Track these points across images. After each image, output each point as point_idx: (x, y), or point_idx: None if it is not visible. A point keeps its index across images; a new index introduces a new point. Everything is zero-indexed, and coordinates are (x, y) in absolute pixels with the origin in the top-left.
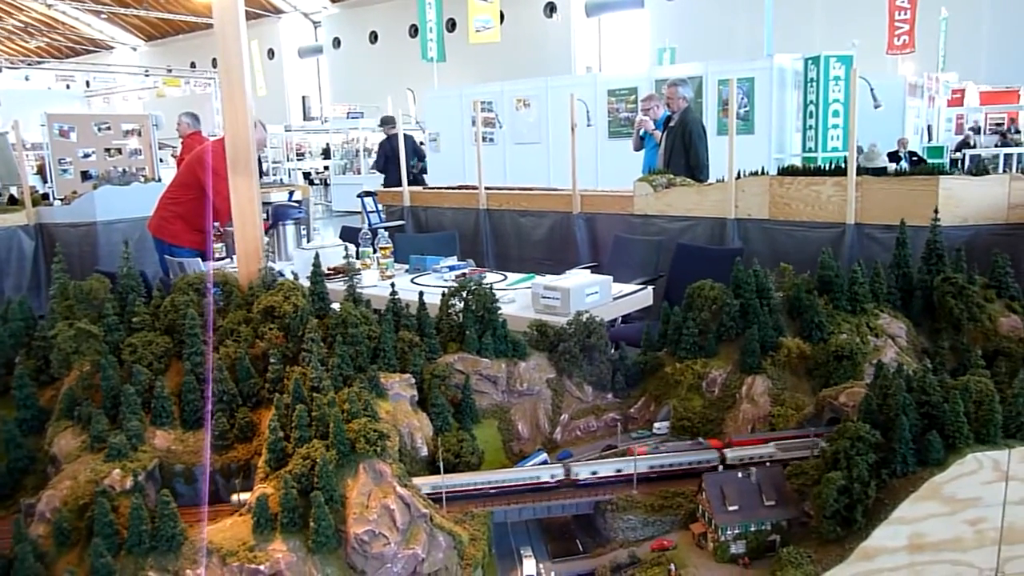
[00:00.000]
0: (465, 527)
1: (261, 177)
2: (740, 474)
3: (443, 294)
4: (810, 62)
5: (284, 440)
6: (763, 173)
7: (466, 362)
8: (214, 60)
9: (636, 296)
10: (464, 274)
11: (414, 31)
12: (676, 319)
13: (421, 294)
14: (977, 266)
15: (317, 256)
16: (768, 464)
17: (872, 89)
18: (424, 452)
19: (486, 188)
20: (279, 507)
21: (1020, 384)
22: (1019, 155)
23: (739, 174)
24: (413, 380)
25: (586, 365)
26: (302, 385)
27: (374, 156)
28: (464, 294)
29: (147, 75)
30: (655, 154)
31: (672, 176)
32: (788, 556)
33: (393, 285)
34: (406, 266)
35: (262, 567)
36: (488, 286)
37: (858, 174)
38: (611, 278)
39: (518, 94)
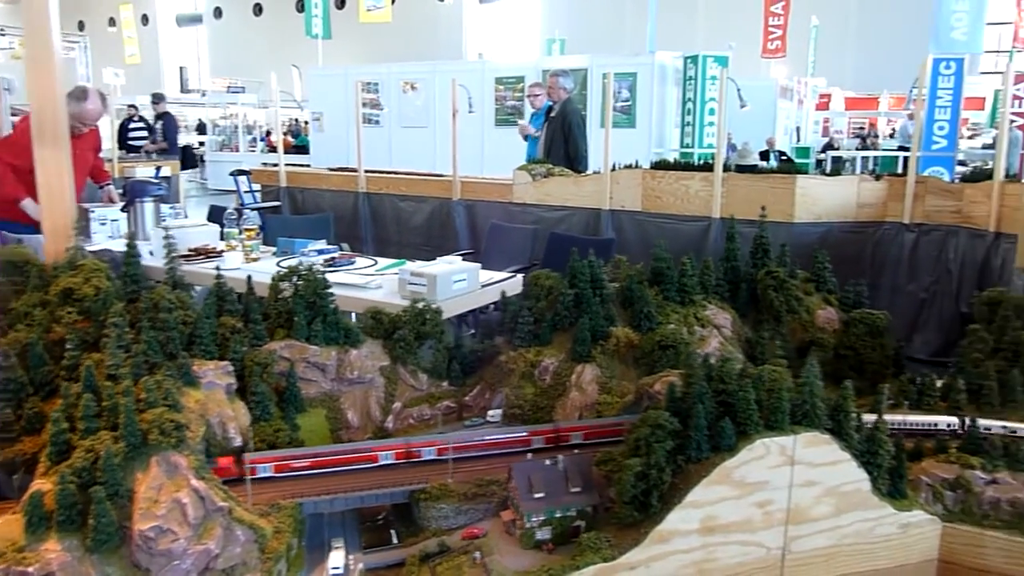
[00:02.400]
0: (270, 520)
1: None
2: (548, 461)
3: (272, 278)
4: (689, 61)
5: (69, 432)
6: (636, 167)
7: (293, 349)
8: (80, 22)
9: (507, 284)
10: (333, 259)
11: (301, 6)
12: (513, 308)
13: (249, 278)
14: (830, 261)
15: (167, 237)
16: (576, 452)
17: (739, 90)
18: (238, 442)
19: (366, 171)
20: (55, 504)
21: (807, 374)
22: (875, 158)
23: (614, 167)
24: (231, 368)
25: (422, 352)
26: (94, 372)
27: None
28: (294, 279)
29: (2, 34)
30: (536, 144)
31: (551, 166)
32: (588, 541)
33: (250, 278)
34: (275, 249)
35: (31, 569)
36: (319, 271)
37: (737, 171)
38: (479, 265)
39: (405, 77)
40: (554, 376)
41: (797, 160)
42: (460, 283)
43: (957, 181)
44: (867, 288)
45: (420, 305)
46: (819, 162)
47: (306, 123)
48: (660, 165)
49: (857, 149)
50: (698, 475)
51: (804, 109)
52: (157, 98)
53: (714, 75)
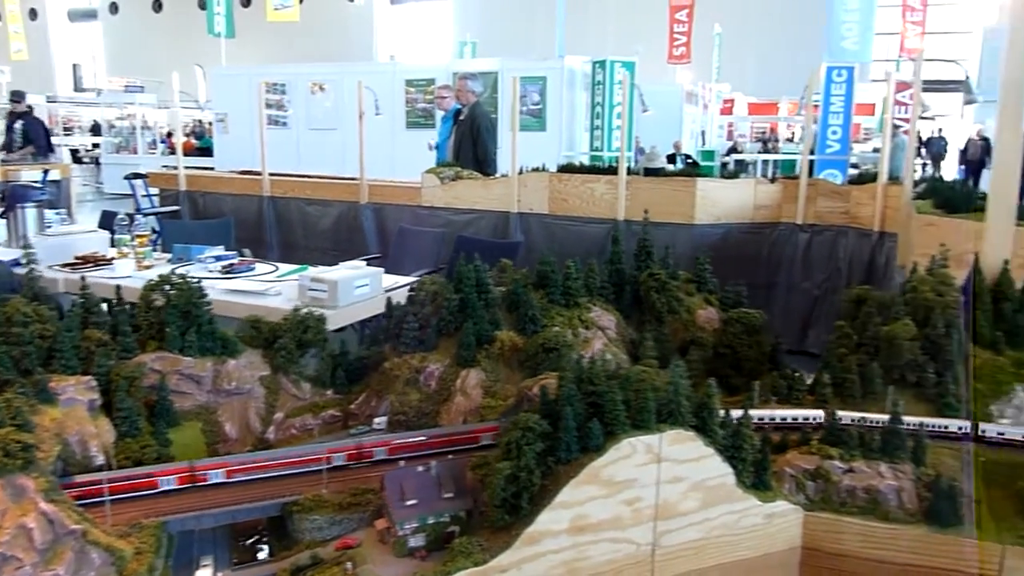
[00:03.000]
0: (131, 540)
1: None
2: (420, 468)
3: (143, 288)
4: (597, 65)
5: None
6: (543, 170)
7: (165, 361)
8: None
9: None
10: (231, 265)
11: (203, 3)
12: (398, 313)
13: (118, 287)
14: (729, 260)
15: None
16: (450, 457)
17: (641, 95)
18: (100, 460)
19: (271, 175)
20: None
21: (673, 374)
22: (775, 161)
23: (521, 170)
24: (95, 383)
25: (304, 361)
26: None
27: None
28: (167, 288)
29: None
30: (446, 147)
31: (460, 169)
32: (459, 546)
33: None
34: (170, 256)
35: None
36: (195, 280)
37: (645, 174)
38: (382, 270)
39: (313, 78)
40: (439, 381)
41: (703, 163)
42: (363, 288)
43: (846, 184)
44: (765, 287)
45: (303, 312)
46: (724, 165)
47: (210, 124)
48: (566, 168)
49: (759, 153)
50: (567, 476)
51: (709, 114)
52: (16, 97)
53: (621, 80)
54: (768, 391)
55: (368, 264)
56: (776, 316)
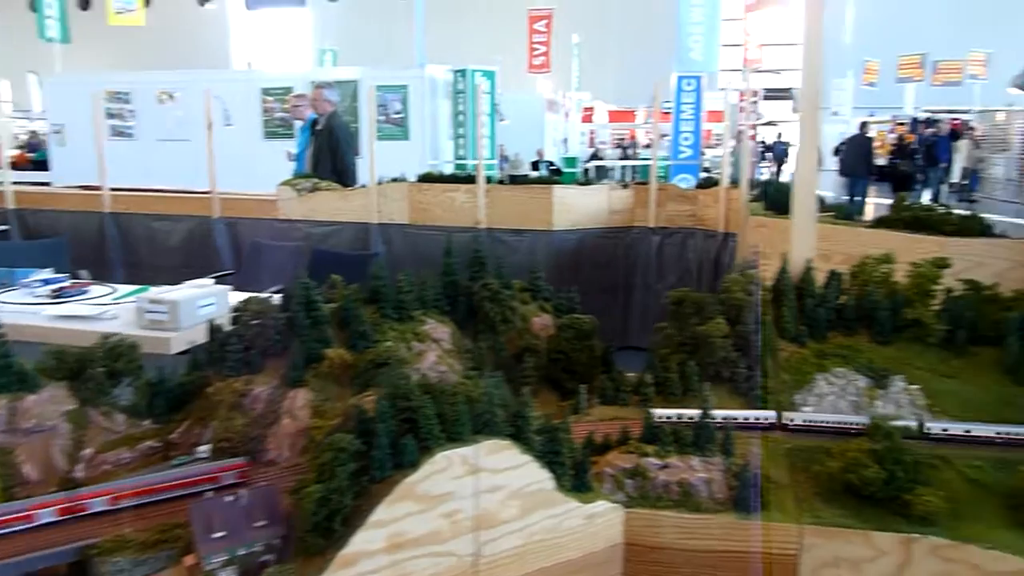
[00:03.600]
0: None
1: None
2: (228, 498)
3: None
4: (459, 74)
5: None
6: (403, 180)
7: None
8: None
9: None
10: (61, 288)
11: (33, 5)
12: (221, 335)
13: None
14: (588, 264)
15: None
16: (263, 484)
17: (496, 104)
18: None
19: (112, 189)
20: None
21: (489, 384)
22: (634, 166)
23: (380, 180)
24: None
25: (117, 391)
26: None
27: None
28: None
29: None
30: (304, 158)
31: (318, 180)
32: (271, 575)
33: None
34: None
35: None
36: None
37: (510, 181)
38: (229, 288)
39: (161, 86)
40: (266, 404)
41: (566, 169)
42: (208, 308)
43: (693, 188)
44: (623, 288)
45: (113, 340)
46: (585, 171)
47: (45, 136)
48: (426, 178)
49: (620, 159)
50: (381, 494)
51: (570, 121)
52: None
53: (483, 89)
54: (596, 393)
55: (217, 282)
56: (634, 316)
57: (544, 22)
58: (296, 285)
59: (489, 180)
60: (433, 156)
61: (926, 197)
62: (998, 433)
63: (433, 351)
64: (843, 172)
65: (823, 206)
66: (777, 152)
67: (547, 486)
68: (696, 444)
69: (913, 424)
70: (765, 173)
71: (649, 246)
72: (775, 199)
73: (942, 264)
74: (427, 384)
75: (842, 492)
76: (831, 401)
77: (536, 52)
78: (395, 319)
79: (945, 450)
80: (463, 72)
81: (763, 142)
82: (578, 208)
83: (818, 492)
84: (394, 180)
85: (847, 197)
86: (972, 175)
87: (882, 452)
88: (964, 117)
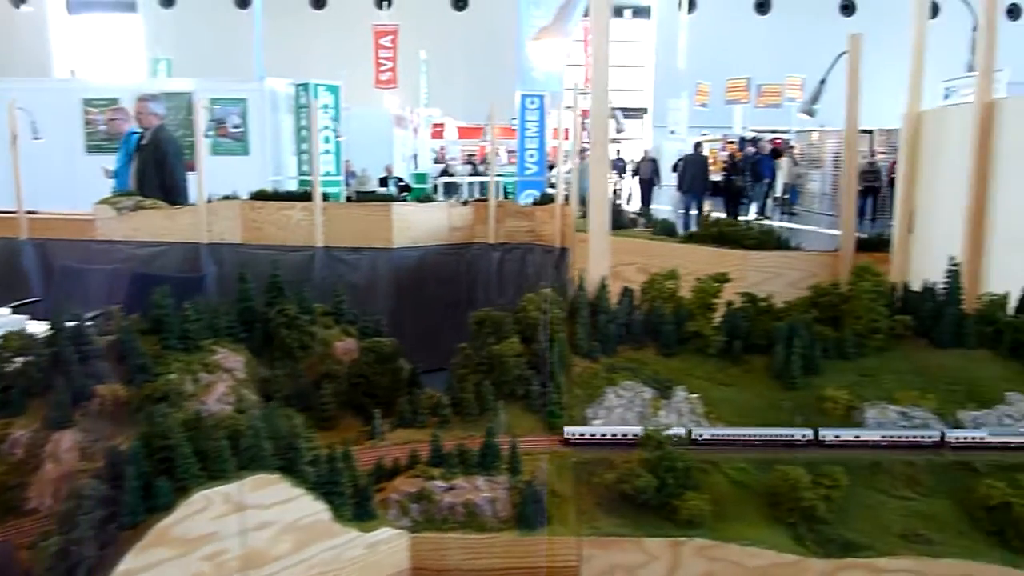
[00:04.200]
0: None
1: None
2: None
3: None
4: (301, 88)
5: None
6: (235, 197)
7: None
8: None
9: None
10: None
11: None
12: None
13: None
14: (430, 281)
15: None
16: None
17: (336, 121)
18: None
19: None
20: None
21: (256, 417)
22: (483, 183)
23: (209, 198)
24: None
25: None
26: None
27: None
28: None
29: None
30: (127, 174)
31: (142, 198)
32: None
33: None
34: None
35: None
36: None
37: (358, 197)
38: (25, 318)
39: None
40: (27, 448)
41: (416, 185)
42: None
43: (531, 205)
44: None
45: None
46: (435, 187)
47: None
48: (260, 195)
49: (469, 175)
50: (131, 541)
51: (420, 138)
52: None
53: (327, 103)
54: (396, 417)
55: (16, 311)
56: None
57: (390, 37)
58: (59, 315)
59: (327, 197)
60: (276, 172)
61: (753, 210)
62: (756, 436)
63: (224, 382)
64: (681, 188)
65: (648, 221)
66: (617, 168)
67: (323, 517)
68: (482, 464)
69: (682, 432)
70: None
71: (490, 262)
72: None
73: (722, 279)
74: (191, 420)
75: (619, 502)
76: (619, 413)
77: (382, 67)
78: (181, 350)
79: (715, 455)
80: (305, 86)
81: None
82: (418, 225)
83: (599, 503)
84: (226, 198)
85: (683, 211)
86: (792, 190)
87: (654, 461)
88: (784, 136)
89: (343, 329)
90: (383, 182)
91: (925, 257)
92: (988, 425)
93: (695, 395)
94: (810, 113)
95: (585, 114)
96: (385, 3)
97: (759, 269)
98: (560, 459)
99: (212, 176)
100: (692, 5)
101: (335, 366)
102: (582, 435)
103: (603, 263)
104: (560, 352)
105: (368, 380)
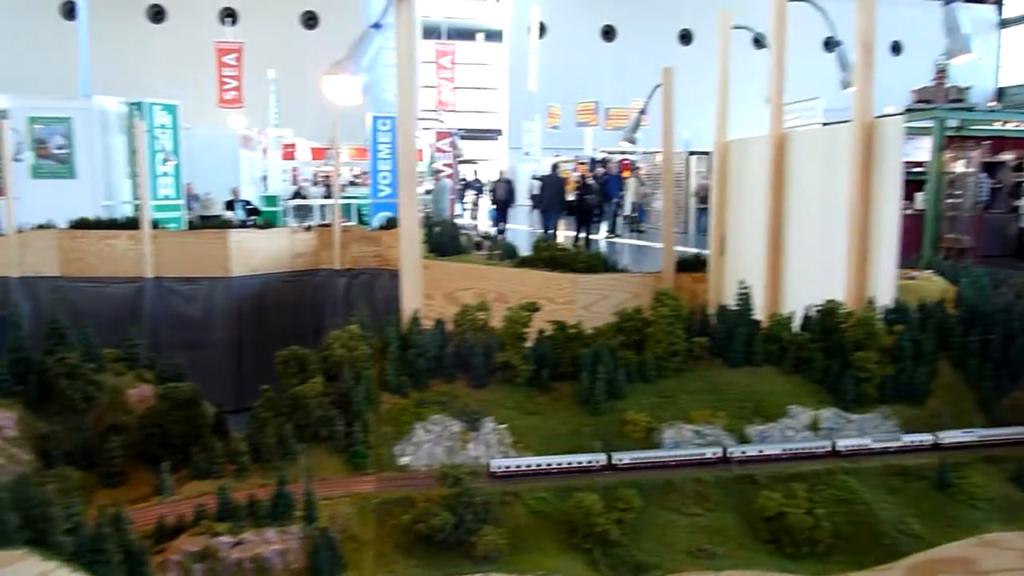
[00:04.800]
0: None
1: None
2: None
3: None
4: (134, 108)
5: None
6: (50, 226)
7: None
8: None
9: None
10: None
11: None
12: None
13: None
14: (272, 309)
15: None
16: None
17: (160, 142)
18: None
19: None
20: None
21: (2, 488)
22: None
23: (20, 228)
24: None
25: None
26: None
27: None
28: None
29: None
30: None
31: None
32: None
33: None
34: None
35: None
36: None
37: (201, 221)
38: None
39: None
40: None
41: (265, 208)
42: None
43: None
44: (313, 331)
45: None
46: (287, 210)
47: None
48: (82, 223)
49: (323, 197)
50: None
51: (269, 159)
52: None
53: (164, 123)
54: (191, 467)
55: None
56: None
57: (234, 55)
58: None
59: (157, 224)
60: (108, 196)
61: (604, 229)
62: (552, 465)
63: None
64: (538, 207)
65: (494, 243)
66: (475, 189)
67: None
68: (273, 515)
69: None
70: (469, 209)
71: (336, 288)
72: (438, 241)
73: (532, 308)
74: None
75: (417, 542)
76: (427, 449)
77: (227, 86)
78: None
79: (517, 485)
80: (139, 105)
81: (464, 179)
82: (259, 252)
83: (398, 545)
84: (40, 227)
85: (541, 230)
86: (640, 208)
87: (452, 498)
88: (632, 157)
89: (138, 375)
90: (229, 205)
91: (736, 277)
92: (772, 439)
93: (503, 425)
94: (631, 141)
95: (439, 136)
96: (229, 20)
97: (588, 291)
98: (362, 501)
99: (35, 201)
100: (542, 30)
101: (125, 416)
102: (507, 468)
103: (416, 296)
104: (367, 389)
105: (164, 429)
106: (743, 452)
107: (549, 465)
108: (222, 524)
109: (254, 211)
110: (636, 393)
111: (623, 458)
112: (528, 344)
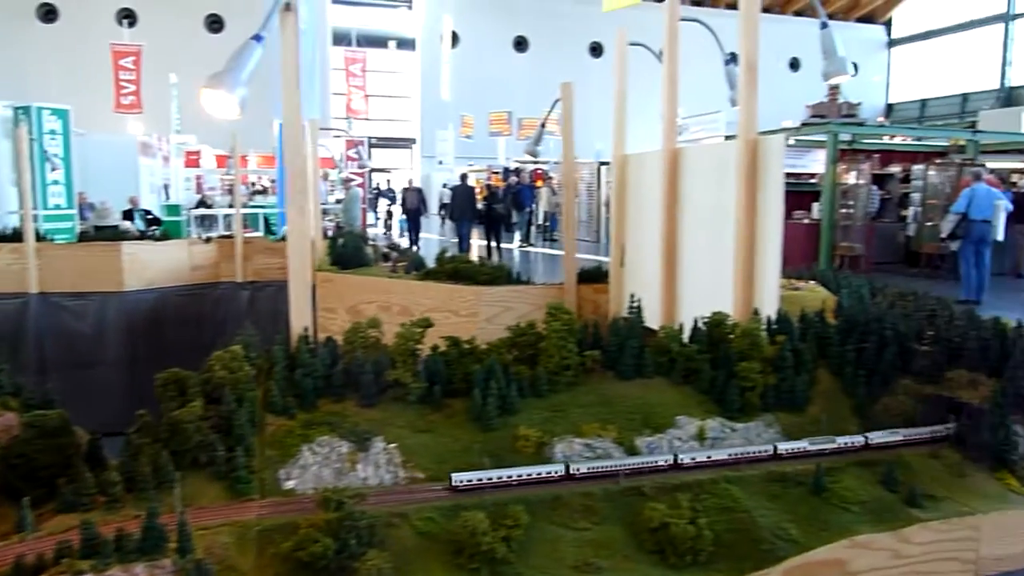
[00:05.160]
0: None
1: None
2: None
3: None
4: (20, 112)
5: None
6: None
7: None
8: None
9: None
10: None
11: None
12: None
13: None
14: (170, 324)
15: None
16: None
17: (44, 149)
18: None
19: None
20: None
21: None
22: (244, 215)
23: None
24: None
25: None
26: None
27: None
28: None
29: None
30: None
31: None
32: None
33: None
34: None
35: None
36: None
37: (96, 232)
38: None
39: None
40: None
41: (167, 218)
42: None
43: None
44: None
45: None
46: (190, 220)
47: None
48: None
49: (230, 206)
50: None
51: (172, 166)
52: None
53: (54, 129)
54: (59, 500)
55: None
56: None
57: (131, 59)
58: None
59: (41, 236)
60: None
61: (517, 238)
62: (511, 476)
63: None
64: (450, 216)
65: (401, 254)
66: (388, 198)
67: None
68: (142, 549)
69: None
70: (382, 218)
71: (240, 301)
72: (340, 254)
73: (425, 324)
74: None
75: (299, 569)
76: (314, 471)
77: (124, 90)
78: None
79: (404, 506)
80: (26, 109)
81: (377, 188)
82: (154, 265)
83: (278, 574)
84: None
85: (455, 240)
86: (552, 217)
87: (335, 522)
88: (544, 167)
89: (1, 403)
90: (128, 215)
91: (636, 288)
92: (659, 450)
93: (393, 445)
94: (534, 154)
95: (349, 144)
96: (127, 21)
97: (491, 304)
98: (242, 530)
99: None
100: (455, 39)
101: None
102: (469, 481)
103: (305, 312)
104: (250, 412)
105: (28, 460)
106: (693, 458)
107: (510, 477)
108: (85, 562)
109: (155, 221)
110: (529, 408)
111: (580, 468)
112: (421, 361)
